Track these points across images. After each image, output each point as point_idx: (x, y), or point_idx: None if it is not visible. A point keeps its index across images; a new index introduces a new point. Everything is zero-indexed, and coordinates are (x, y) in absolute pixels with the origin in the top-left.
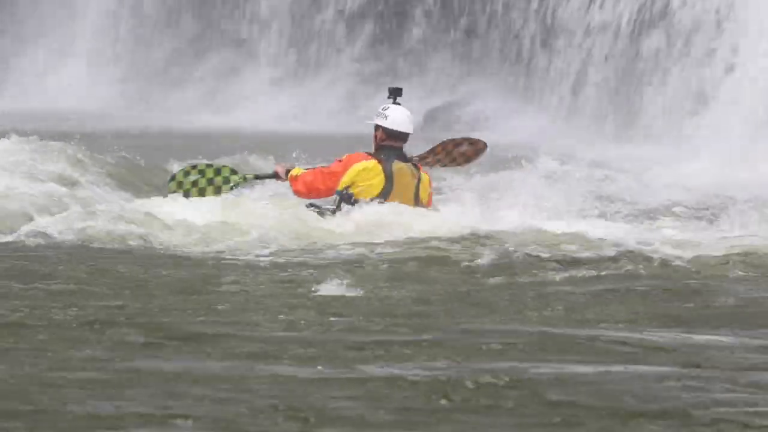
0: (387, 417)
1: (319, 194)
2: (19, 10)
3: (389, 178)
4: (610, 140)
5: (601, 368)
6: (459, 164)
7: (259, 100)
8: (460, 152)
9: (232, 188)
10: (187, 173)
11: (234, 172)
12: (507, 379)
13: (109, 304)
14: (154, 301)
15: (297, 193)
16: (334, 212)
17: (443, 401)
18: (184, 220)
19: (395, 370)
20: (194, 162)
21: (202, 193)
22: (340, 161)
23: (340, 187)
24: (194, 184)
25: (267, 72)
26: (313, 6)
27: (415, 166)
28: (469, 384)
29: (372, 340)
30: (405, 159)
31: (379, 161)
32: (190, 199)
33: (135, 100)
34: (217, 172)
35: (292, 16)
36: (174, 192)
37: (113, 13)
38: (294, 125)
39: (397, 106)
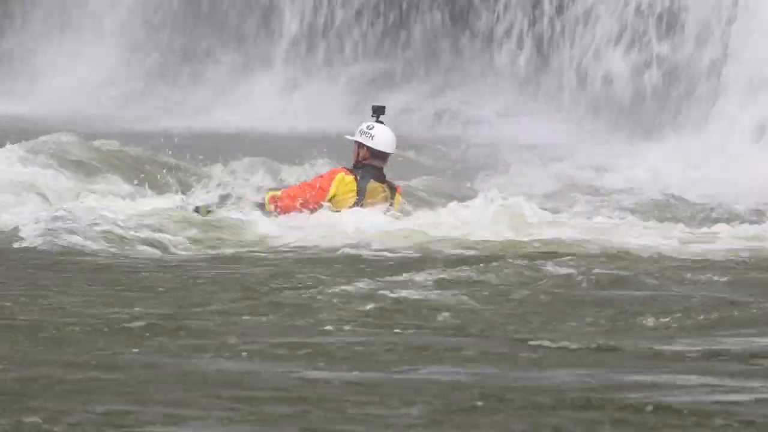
0: (418, 420)
1: (304, 208)
2: (33, 8)
3: (361, 195)
4: (625, 141)
5: (641, 377)
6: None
7: (269, 101)
8: None
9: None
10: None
11: (208, 211)
12: (544, 384)
13: (147, 310)
14: (185, 303)
15: (284, 209)
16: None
17: (479, 402)
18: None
19: (431, 374)
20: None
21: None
22: (321, 177)
23: (327, 199)
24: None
25: (276, 72)
26: (323, 5)
27: (392, 187)
28: (506, 390)
29: (409, 342)
30: (383, 179)
31: (355, 178)
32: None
33: (143, 100)
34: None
35: (303, 16)
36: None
37: (126, 13)
38: (303, 125)
39: (382, 125)
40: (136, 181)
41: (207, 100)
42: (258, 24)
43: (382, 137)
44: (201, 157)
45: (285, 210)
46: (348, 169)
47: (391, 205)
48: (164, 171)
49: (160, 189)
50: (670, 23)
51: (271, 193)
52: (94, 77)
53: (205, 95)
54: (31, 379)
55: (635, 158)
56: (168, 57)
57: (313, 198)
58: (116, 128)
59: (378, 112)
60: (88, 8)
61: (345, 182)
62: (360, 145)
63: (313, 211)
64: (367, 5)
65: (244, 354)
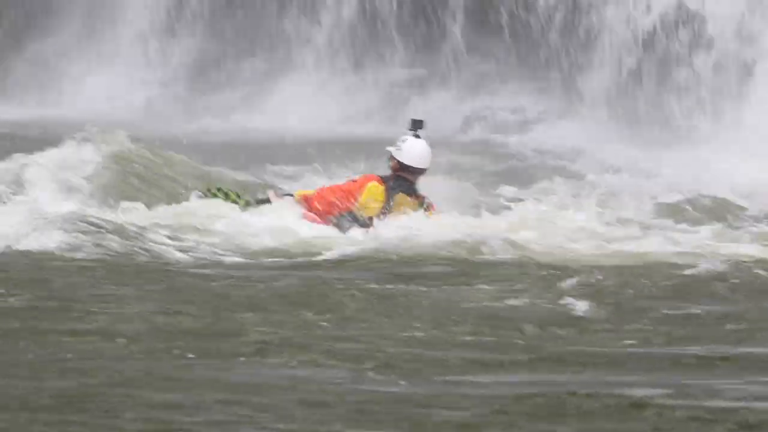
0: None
1: (332, 211)
2: (64, 11)
3: (388, 205)
4: (661, 144)
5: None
6: None
7: (302, 104)
8: None
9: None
10: (211, 194)
11: (238, 196)
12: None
13: (193, 315)
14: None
15: (314, 210)
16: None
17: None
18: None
19: (502, 380)
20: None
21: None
22: (354, 181)
23: (356, 206)
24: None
25: (310, 75)
26: (355, 9)
27: (424, 203)
28: (590, 399)
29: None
30: (413, 193)
31: (386, 188)
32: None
33: (175, 103)
34: (226, 195)
35: (336, 19)
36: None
37: (155, 16)
38: (336, 129)
39: (417, 139)
40: (184, 190)
41: (237, 103)
42: (289, 27)
43: (412, 152)
44: (242, 160)
45: (314, 212)
46: (381, 178)
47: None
48: (200, 175)
49: (199, 194)
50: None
51: (302, 192)
52: (124, 81)
53: (236, 98)
54: (115, 384)
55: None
56: (199, 60)
57: (342, 202)
58: (149, 131)
59: (416, 126)
60: (119, 11)
61: (375, 191)
62: (391, 156)
63: (341, 215)
64: (399, 7)
65: (294, 363)
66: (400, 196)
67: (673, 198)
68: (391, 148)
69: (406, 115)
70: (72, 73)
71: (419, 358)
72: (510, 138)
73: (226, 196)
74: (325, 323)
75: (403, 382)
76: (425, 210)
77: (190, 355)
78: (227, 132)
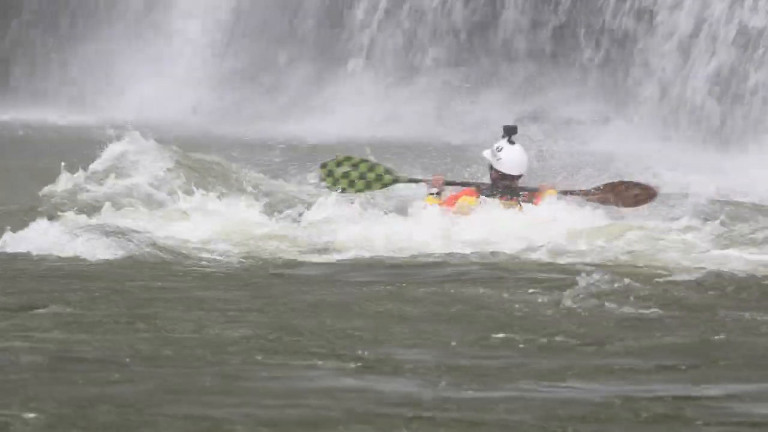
0: None
1: None
2: (112, 15)
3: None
4: (709, 149)
5: None
6: (627, 206)
7: (347, 108)
8: (631, 195)
9: (383, 187)
10: (339, 164)
11: (388, 171)
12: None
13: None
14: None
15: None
16: None
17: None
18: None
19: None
20: (349, 154)
21: (351, 185)
22: (451, 196)
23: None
24: (345, 175)
25: (355, 79)
26: (399, 14)
27: (519, 201)
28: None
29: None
30: (514, 192)
31: (480, 198)
32: (338, 191)
33: (222, 108)
34: (371, 168)
35: (379, 24)
36: (323, 180)
37: (198, 22)
38: (382, 133)
39: (512, 146)
40: (255, 199)
41: (286, 108)
42: (335, 32)
43: (509, 160)
44: (293, 167)
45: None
46: (476, 190)
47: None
48: (250, 180)
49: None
50: None
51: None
52: (172, 85)
53: (285, 103)
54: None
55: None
56: (247, 65)
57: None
58: (195, 136)
59: (509, 132)
60: (167, 17)
61: (464, 206)
62: (491, 166)
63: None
64: (445, 11)
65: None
66: (496, 202)
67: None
68: (487, 156)
69: (451, 119)
70: (121, 77)
71: (482, 364)
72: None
73: (354, 167)
74: (389, 328)
75: (468, 389)
76: (529, 197)
77: (258, 357)
78: (273, 136)
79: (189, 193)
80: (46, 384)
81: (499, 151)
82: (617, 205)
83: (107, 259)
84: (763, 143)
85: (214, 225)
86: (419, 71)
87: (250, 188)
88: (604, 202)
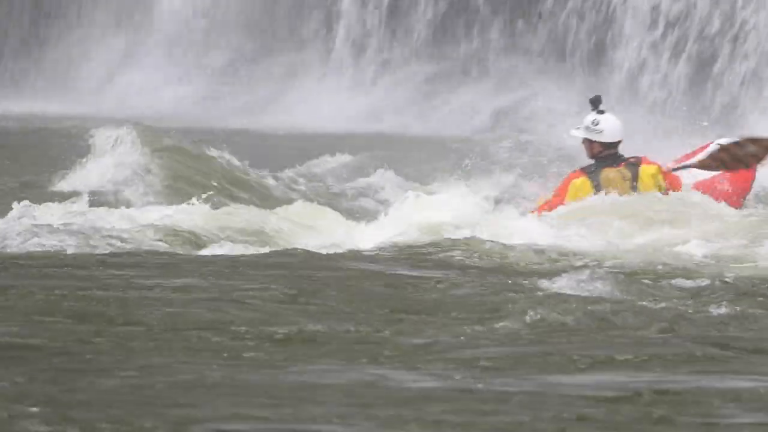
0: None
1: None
2: (94, 8)
3: (598, 189)
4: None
5: None
6: (747, 166)
7: (329, 101)
8: (748, 153)
9: None
10: None
11: None
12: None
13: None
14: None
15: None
16: None
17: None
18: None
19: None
20: None
21: None
22: (557, 192)
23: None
24: None
25: (336, 72)
26: (379, 5)
27: (632, 164)
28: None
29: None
30: (618, 161)
31: (588, 176)
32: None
33: (201, 100)
34: None
35: (358, 15)
36: None
37: (180, 14)
38: (364, 126)
39: (605, 115)
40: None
41: (266, 101)
42: (316, 25)
43: (610, 128)
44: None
45: None
46: (581, 170)
47: (636, 179)
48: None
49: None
50: None
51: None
52: (154, 78)
53: (265, 96)
54: (187, 386)
55: None
56: (229, 58)
57: (550, 204)
58: (176, 128)
59: (596, 102)
60: (148, 10)
61: (579, 188)
62: (590, 141)
63: None
64: (425, 2)
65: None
66: (605, 173)
67: None
68: (582, 134)
69: (434, 110)
70: (101, 70)
71: (521, 357)
72: (540, 131)
73: None
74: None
75: (503, 382)
76: (633, 167)
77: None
78: (253, 129)
79: (170, 187)
80: (43, 382)
81: (596, 124)
82: (736, 168)
83: (85, 253)
84: None
85: (194, 218)
86: (399, 62)
87: (234, 182)
88: (719, 167)
